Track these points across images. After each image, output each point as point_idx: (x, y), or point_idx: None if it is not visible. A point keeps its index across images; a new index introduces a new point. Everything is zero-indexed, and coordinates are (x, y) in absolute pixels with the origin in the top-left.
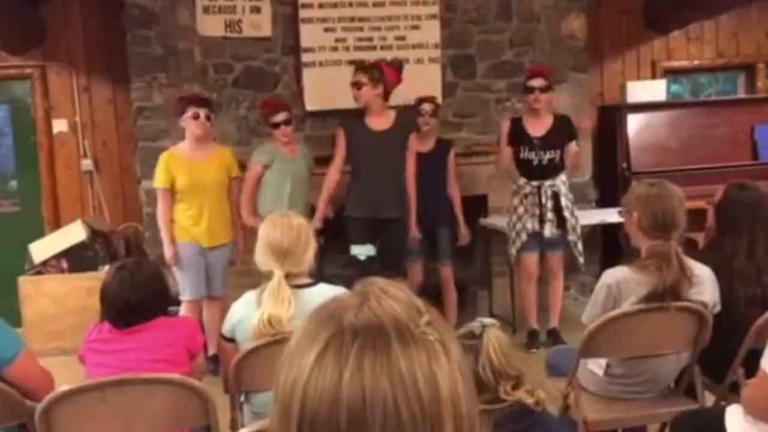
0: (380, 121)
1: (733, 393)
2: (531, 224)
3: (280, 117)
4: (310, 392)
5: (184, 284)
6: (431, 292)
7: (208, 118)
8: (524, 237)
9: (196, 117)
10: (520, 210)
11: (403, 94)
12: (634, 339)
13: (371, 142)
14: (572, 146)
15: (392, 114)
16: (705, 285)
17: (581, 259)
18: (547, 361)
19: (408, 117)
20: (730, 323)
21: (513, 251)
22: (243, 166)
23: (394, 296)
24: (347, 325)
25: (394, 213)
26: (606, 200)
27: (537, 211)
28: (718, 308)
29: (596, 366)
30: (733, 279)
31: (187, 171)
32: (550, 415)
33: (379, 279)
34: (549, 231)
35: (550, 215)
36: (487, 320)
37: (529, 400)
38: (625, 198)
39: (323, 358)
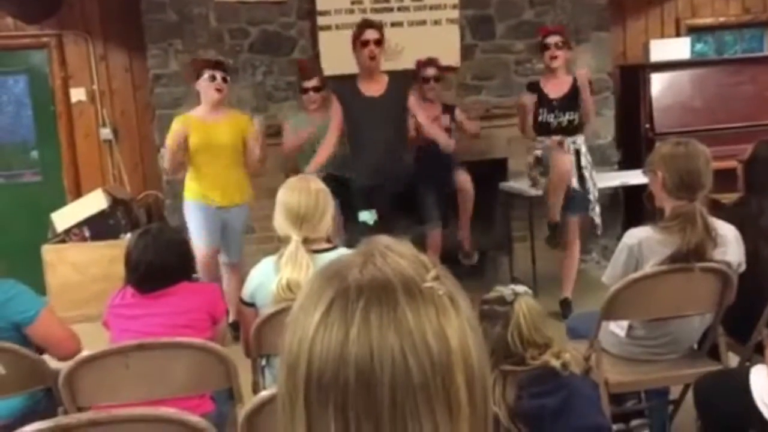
0: (374, 87)
1: (757, 354)
2: None
3: (311, 83)
4: (315, 352)
5: (197, 235)
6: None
7: (224, 80)
8: None
9: (213, 79)
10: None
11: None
12: (657, 300)
13: (365, 109)
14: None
15: (385, 78)
16: (730, 245)
17: (598, 221)
18: (568, 325)
19: (402, 81)
20: (755, 283)
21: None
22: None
23: (399, 252)
24: (352, 282)
25: (393, 177)
26: (629, 162)
27: None
28: (743, 268)
29: (618, 328)
30: (758, 238)
31: (200, 131)
32: (576, 377)
33: (383, 237)
34: (574, 182)
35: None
36: (520, 288)
37: (555, 362)
38: (650, 157)
39: (328, 316)
